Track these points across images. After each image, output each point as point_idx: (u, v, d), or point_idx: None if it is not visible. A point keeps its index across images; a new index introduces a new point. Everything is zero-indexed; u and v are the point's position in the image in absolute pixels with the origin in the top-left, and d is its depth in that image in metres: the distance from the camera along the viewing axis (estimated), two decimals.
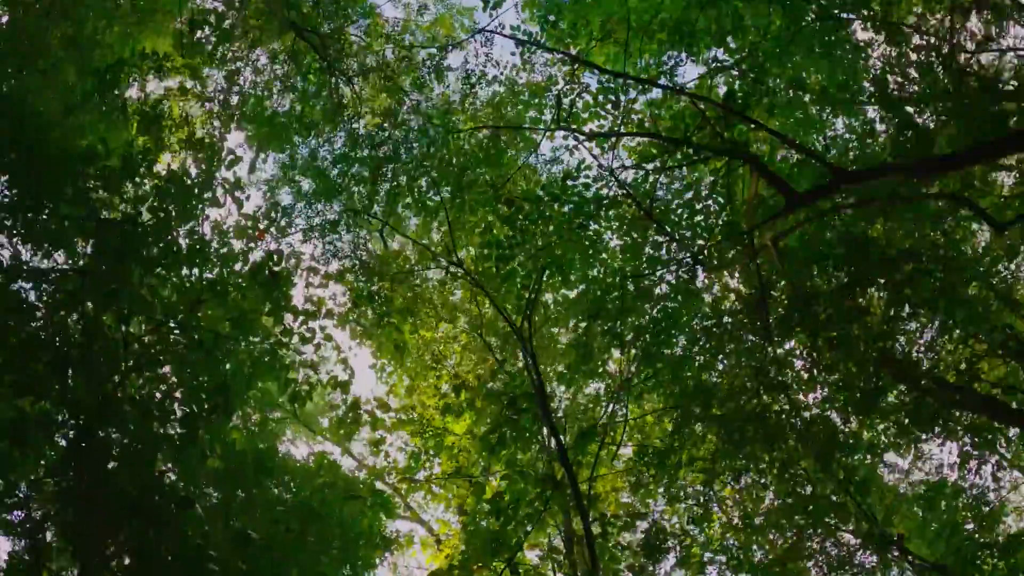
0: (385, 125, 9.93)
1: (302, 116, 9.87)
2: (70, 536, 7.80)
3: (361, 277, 10.44)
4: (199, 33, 10.02)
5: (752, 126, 7.03)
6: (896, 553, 8.79)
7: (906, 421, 10.53)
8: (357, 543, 8.60)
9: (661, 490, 9.78)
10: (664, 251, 8.18)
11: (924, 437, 11.39)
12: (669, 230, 7.81)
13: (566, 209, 8.27)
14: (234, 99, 10.26)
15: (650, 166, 8.06)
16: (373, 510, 8.70)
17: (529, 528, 8.04)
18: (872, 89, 8.14)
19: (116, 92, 9.77)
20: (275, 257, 7.79)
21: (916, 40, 8.50)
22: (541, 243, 8.07)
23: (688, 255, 7.80)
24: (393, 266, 10.32)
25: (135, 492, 7.66)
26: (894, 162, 7.53)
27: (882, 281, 9.12)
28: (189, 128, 8.77)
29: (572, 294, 9.98)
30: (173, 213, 8.65)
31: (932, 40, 8.40)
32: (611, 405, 8.72)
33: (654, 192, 7.73)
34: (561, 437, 7.68)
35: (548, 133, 8.39)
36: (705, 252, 7.51)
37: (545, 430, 8.28)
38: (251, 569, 7.56)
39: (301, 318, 8.22)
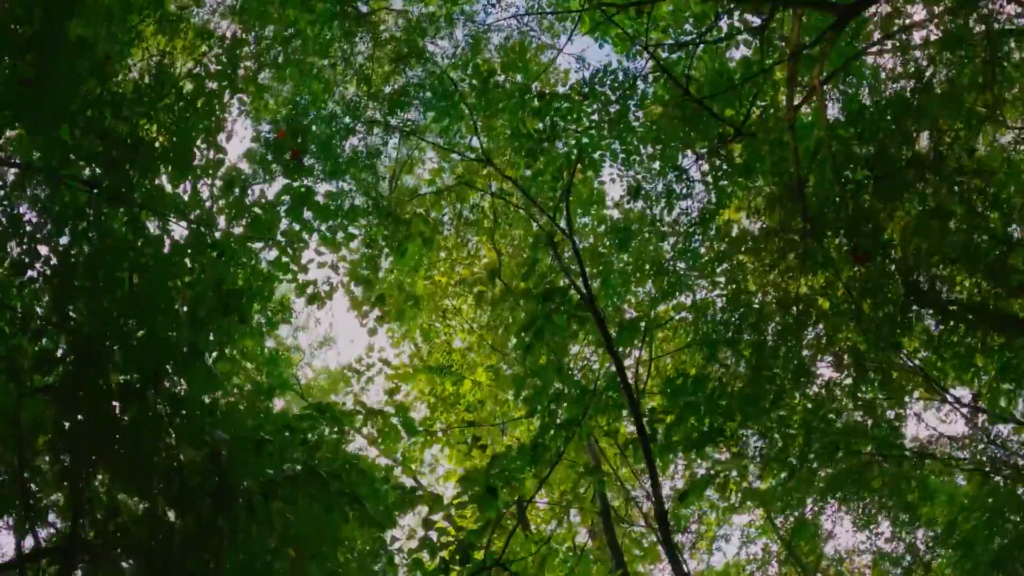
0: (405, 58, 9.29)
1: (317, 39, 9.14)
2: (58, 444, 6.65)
3: (375, 219, 9.59)
4: None
5: None
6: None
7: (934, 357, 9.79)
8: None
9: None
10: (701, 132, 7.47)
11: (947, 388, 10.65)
12: (707, 107, 7.13)
13: (595, 107, 7.60)
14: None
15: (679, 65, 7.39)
16: (394, 432, 7.61)
17: (569, 436, 7.01)
18: None
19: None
20: (299, 138, 6.95)
21: None
22: (573, 139, 7.36)
23: (727, 128, 7.11)
24: (408, 207, 9.52)
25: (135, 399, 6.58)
26: None
27: (907, 195, 8.55)
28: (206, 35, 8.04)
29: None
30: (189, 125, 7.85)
31: None
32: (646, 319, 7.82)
33: (689, 63, 7.07)
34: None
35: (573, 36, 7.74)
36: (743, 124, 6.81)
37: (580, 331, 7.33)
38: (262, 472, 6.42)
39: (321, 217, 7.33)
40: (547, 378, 6.91)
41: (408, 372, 10.36)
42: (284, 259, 7.35)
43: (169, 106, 7.78)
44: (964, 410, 8.69)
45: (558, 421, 7.04)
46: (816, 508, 11.78)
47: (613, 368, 7.19)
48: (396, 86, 9.44)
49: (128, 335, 7.00)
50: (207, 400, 6.08)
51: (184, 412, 5.95)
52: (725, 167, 7.51)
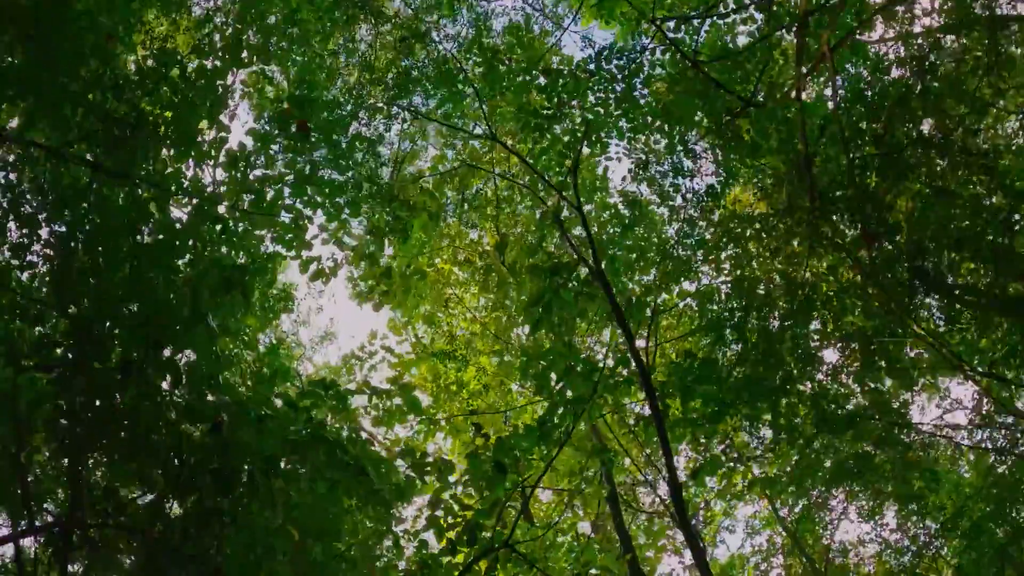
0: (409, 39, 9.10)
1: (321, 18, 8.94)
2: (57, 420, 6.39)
3: (377, 203, 9.37)
4: None
5: None
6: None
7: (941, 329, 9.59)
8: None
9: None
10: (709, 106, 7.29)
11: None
12: (716, 80, 6.98)
13: (601, 86, 7.44)
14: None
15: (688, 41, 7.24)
16: (399, 412, 7.39)
17: (578, 414, 6.79)
18: None
19: None
20: (304, 109, 6.76)
21: None
22: (579, 117, 7.19)
23: (735, 100, 6.95)
24: (411, 190, 9.32)
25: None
26: None
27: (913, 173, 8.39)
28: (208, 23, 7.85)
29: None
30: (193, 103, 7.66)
31: None
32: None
33: (696, 37, 6.93)
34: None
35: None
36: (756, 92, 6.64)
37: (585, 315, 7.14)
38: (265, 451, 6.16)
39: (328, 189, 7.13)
40: (556, 354, 6.70)
41: (411, 360, 10.15)
42: (288, 236, 7.14)
43: (172, 83, 7.60)
44: (979, 378, 8.50)
45: (567, 399, 6.84)
46: (820, 498, 11.57)
47: (622, 346, 6.99)
48: (399, 71, 9.25)
49: (128, 316, 6.77)
50: (208, 369, 5.84)
51: (184, 382, 5.71)
52: (733, 142, 7.33)
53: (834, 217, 7.72)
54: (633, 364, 6.56)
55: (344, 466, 6.11)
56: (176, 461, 6.27)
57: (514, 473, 6.63)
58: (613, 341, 6.75)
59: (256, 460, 5.91)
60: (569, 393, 6.64)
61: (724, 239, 8.70)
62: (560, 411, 6.85)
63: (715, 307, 9.50)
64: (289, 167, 7.07)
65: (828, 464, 10.84)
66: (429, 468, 6.11)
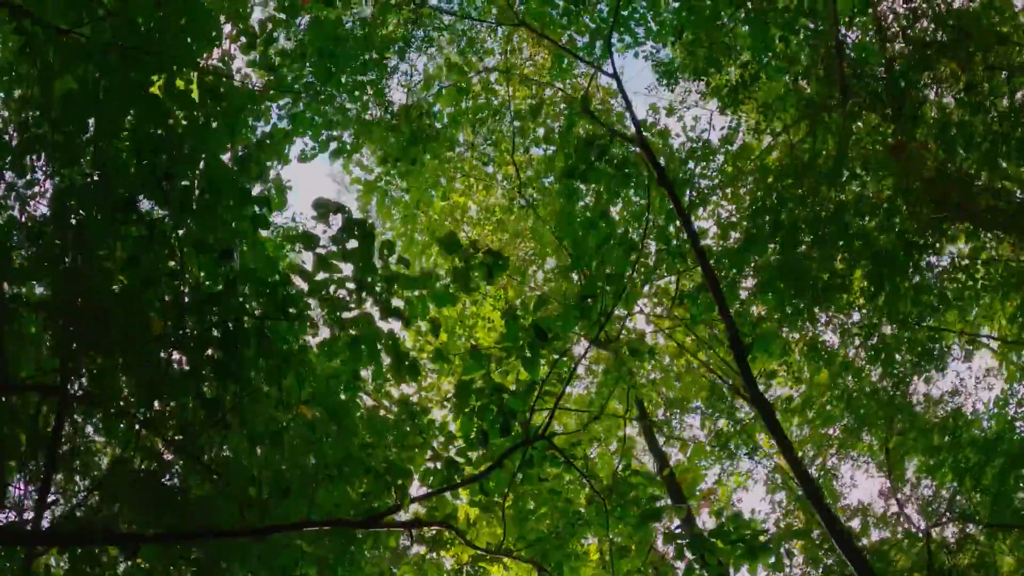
0: None
1: None
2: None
3: (390, 128, 8.59)
4: None
5: None
6: None
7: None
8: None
9: None
10: None
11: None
12: None
13: None
14: None
15: None
16: (421, 306, 6.50)
17: (619, 292, 5.98)
18: None
19: None
20: None
21: None
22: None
23: None
24: (424, 120, 8.63)
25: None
26: None
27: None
28: None
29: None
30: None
31: None
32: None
33: None
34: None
35: None
36: None
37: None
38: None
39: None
40: (593, 223, 5.92)
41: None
42: (308, 115, 6.39)
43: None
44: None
45: (605, 274, 6.03)
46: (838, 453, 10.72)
47: (661, 222, 6.24)
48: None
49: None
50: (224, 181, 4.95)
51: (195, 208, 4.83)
52: (766, 12, 6.75)
53: (864, 113, 7.15)
54: (680, 231, 5.80)
55: (367, 320, 5.24)
56: (177, 322, 5.31)
57: (546, 353, 5.76)
58: (657, 209, 5.98)
59: (268, 305, 5.00)
60: (608, 261, 5.84)
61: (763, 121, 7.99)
62: (599, 287, 6.03)
63: (734, 240, 8.83)
64: (312, 36, 6.38)
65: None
66: (476, 271, 5.21)
